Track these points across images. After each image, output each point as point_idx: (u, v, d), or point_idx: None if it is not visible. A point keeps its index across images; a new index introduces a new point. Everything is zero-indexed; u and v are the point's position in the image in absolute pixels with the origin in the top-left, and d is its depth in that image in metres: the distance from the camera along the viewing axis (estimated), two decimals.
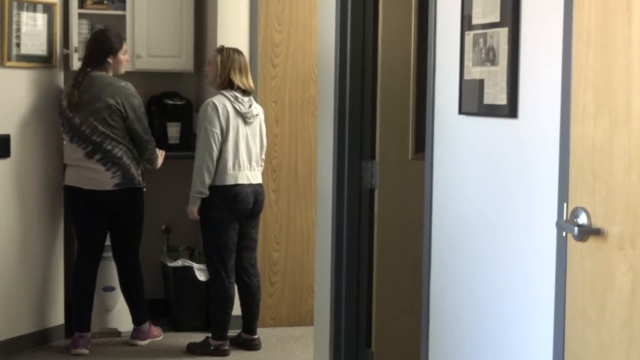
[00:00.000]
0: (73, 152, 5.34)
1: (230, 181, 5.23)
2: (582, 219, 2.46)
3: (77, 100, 5.26)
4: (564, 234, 2.58)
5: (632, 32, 2.24)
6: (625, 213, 2.28)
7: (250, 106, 5.33)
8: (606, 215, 2.37)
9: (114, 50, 5.39)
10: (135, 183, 5.38)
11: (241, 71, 5.29)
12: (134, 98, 5.36)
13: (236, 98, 5.26)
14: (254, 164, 5.34)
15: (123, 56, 5.45)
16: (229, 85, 5.28)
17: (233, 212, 5.28)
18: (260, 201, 5.42)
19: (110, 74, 5.40)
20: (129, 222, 5.47)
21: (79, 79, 5.30)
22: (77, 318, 5.45)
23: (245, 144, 5.30)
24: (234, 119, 5.24)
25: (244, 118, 5.28)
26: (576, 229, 2.44)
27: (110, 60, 5.38)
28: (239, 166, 5.26)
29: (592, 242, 2.43)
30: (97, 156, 5.28)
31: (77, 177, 5.33)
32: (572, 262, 2.54)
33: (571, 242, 2.53)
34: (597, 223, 2.41)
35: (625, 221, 2.28)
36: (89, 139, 5.27)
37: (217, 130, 5.19)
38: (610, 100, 2.34)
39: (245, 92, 5.31)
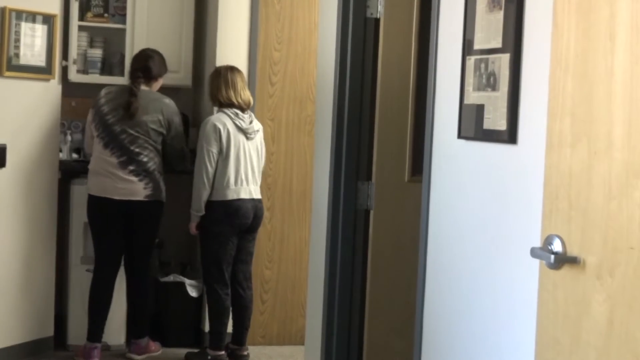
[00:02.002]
0: (105, 160, 5.35)
1: (232, 196, 5.27)
2: (557, 247, 2.42)
3: (134, 110, 5.32)
4: (538, 261, 2.56)
5: (615, 62, 2.23)
6: (603, 242, 2.26)
7: (251, 122, 5.37)
8: (583, 244, 2.34)
9: (162, 74, 5.59)
10: (162, 197, 5.46)
11: (228, 87, 5.34)
12: (176, 115, 5.49)
13: (236, 115, 5.31)
14: (257, 177, 5.39)
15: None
16: (223, 102, 5.32)
17: (233, 227, 5.31)
18: (260, 216, 5.46)
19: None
20: (149, 234, 5.51)
21: (134, 91, 5.37)
22: (92, 328, 5.45)
23: (249, 158, 5.34)
24: (235, 135, 5.27)
25: (246, 134, 5.31)
26: (552, 257, 2.40)
27: (158, 80, 5.55)
28: (242, 181, 5.29)
29: (566, 270, 2.39)
30: (131, 167, 5.33)
31: (108, 187, 5.34)
32: (543, 290, 2.51)
33: (544, 269, 2.49)
34: (572, 251, 2.37)
35: (603, 250, 2.26)
36: (127, 148, 5.33)
37: (214, 149, 5.24)
38: (590, 129, 2.32)
39: (241, 108, 5.34)
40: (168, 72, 6.06)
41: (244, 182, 5.31)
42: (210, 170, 5.24)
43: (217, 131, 5.24)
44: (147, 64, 5.49)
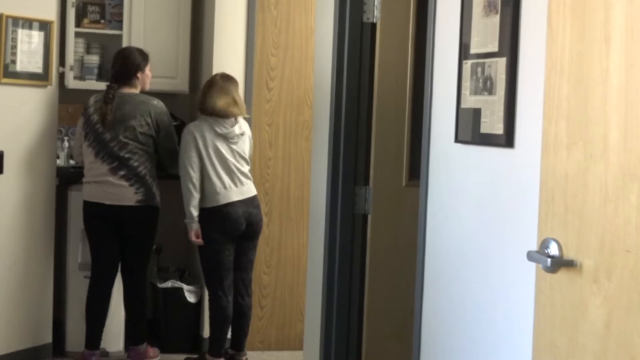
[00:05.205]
0: (97, 168, 5.32)
1: (222, 200, 5.26)
2: (553, 250, 2.41)
3: (111, 117, 5.27)
4: (534, 265, 2.55)
5: (610, 64, 2.23)
6: (600, 245, 2.25)
7: (233, 126, 5.31)
8: (579, 247, 2.33)
9: (142, 66, 5.43)
10: (155, 202, 5.40)
11: (217, 95, 5.28)
12: (165, 116, 5.42)
13: (216, 120, 5.27)
14: (243, 179, 5.33)
15: (149, 71, 5.49)
16: (206, 110, 5.29)
17: (225, 233, 5.29)
18: (254, 223, 5.40)
19: (138, 89, 5.43)
20: (143, 240, 5.46)
21: (109, 96, 5.31)
22: (90, 335, 5.43)
23: (231, 163, 5.29)
24: (213, 141, 5.25)
25: (226, 139, 5.29)
26: (549, 260, 2.40)
27: (138, 75, 5.42)
28: (230, 185, 5.27)
29: (562, 273, 2.39)
30: (122, 172, 5.29)
31: (99, 192, 5.32)
32: (540, 294, 2.51)
33: (540, 273, 2.49)
34: (569, 255, 2.37)
35: (600, 253, 2.25)
36: (117, 155, 5.29)
37: (193, 154, 5.23)
38: (585, 132, 2.32)
39: (220, 116, 5.29)
40: (166, 77, 6.08)
41: (233, 186, 5.28)
42: (193, 175, 5.22)
43: (194, 137, 5.24)
44: (117, 70, 5.41)
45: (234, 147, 5.32)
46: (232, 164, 5.30)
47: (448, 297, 3.45)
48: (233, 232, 5.32)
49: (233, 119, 5.32)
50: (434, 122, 3.59)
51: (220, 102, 5.28)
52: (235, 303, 5.49)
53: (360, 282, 4.51)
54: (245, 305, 5.52)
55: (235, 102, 5.31)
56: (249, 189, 5.38)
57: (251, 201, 5.37)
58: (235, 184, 5.30)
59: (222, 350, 5.46)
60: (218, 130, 5.27)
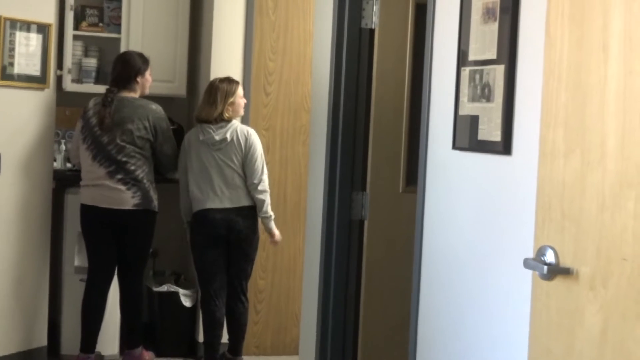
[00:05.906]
0: (94, 171, 5.32)
1: (199, 207, 5.30)
2: (550, 258, 2.41)
3: (109, 121, 5.27)
4: (530, 272, 2.55)
5: (608, 72, 2.23)
6: (597, 253, 2.26)
7: (214, 132, 5.28)
8: (576, 254, 2.34)
9: (142, 70, 5.43)
10: (152, 206, 5.39)
11: (206, 102, 5.32)
12: (163, 121, 5.42)
13: (201, 126, 5.30)
14: (225, 188, 5.28)
15: (149, 76, 5.49)
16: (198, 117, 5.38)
17: (205, 237, 5.31)
18: (237, 230, 5.30)
19: (138, 94, 5.42)
20: (140, 244, 5.45)
21: (108, 99, 5.31)
22: (85, 338, 5.41)
23: (212, 171, 5.27)
24: (197, 148, 5.28)
25: (207, 145, 5.29)
26: (545, 267, 2.40)
27: (138, 80, 5.41)
28: (205, 192, 5.26)
29: (559, 281, 2.39)
30: (119, 175, 5.28)
31: (96, 195, 5.31)
32: (536, 300, 2.51)
33: (536, 280, 2.49)
34: (565, 262, 2.37)
35: (597, 261, 2.26)
36: (114, 158, 5.28)
37: (181, 161, 5.38)
38: (583, 139, 2.32)
39: (206, 122, 5.30)
40: (163, 81, 6.08)
41: (211, 193, 5.26)
42: (182, 181, 5.38)
43: (183, 144, 5.36)
44: (117, 74, 5.40)
45: (217, 154, 5.27)
46: (212, 172, 5.26)
47: (444, 303, 3.45)
48: (212, 235, 5.30)
49: (223, 124, 5.29)
50: (432, 129, 3.59)
51: (205, 110, 5.34)
52: (228, 309, 5.49)
53: (356, 287, 4.52)
54: (237, 311, 5.50)
55: (205, 108, 5.30)
56: (231, 200, 5.28)
57: (236, 210, 5.30)
58: (215, 192, 5.26)
59: (217, 354, 5.45)
60: (200, 136, 5.28)
